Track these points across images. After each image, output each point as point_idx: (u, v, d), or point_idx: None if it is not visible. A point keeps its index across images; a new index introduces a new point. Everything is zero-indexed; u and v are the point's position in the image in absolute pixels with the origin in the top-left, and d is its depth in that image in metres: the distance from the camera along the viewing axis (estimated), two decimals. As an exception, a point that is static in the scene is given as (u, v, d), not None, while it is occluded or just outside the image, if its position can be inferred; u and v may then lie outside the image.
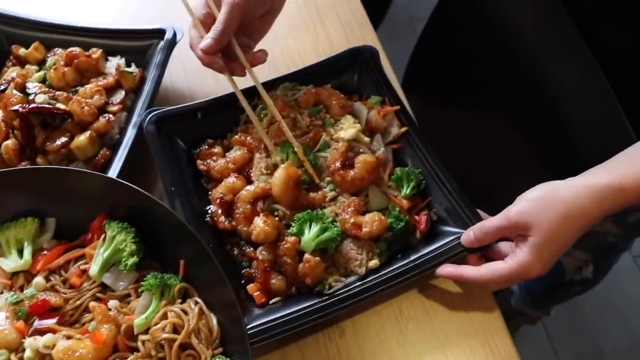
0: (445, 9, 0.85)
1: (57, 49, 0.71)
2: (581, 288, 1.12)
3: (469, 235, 0.54)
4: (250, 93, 0.62)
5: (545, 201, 0.49)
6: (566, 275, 1.08)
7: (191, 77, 0.64)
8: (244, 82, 0.60)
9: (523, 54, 0.69)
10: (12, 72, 0.68)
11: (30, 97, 0.63)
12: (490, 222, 0.52)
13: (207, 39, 0.55)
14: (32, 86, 0.65)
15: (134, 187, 0.51)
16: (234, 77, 0.59)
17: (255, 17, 0.58)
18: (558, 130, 0.65)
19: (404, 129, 0.62)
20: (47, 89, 0.65)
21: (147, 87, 0.66)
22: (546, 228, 0.49)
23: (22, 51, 0.70)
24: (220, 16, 0.54)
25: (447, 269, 0.54)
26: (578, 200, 0.48)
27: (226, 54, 0.58)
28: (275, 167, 0.59)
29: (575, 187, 0.49)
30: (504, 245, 0.54)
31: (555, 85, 0.65)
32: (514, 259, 0.50)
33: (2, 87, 0.66)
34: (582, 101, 0.62)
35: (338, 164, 0.57)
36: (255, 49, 0.60)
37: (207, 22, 0.57)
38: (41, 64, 0.70)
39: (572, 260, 1.04)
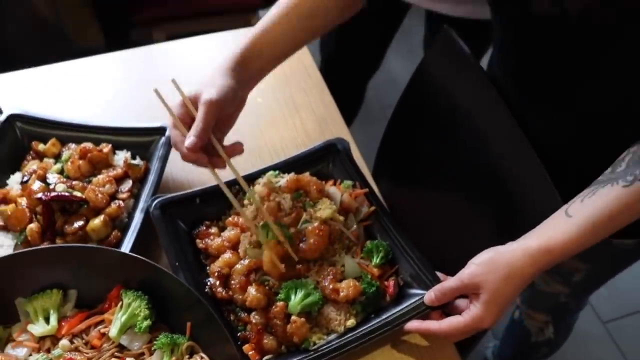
0: (407, 100, 0.99)
1: (71, 144, 0.82)
2: (548, 350, 1.22)
3: (430, 296, 0.64)
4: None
5: (491, 264, 0.60)
6: (532, 337, 1.18)
7: (188, 168, 0.74)
8: (230, 174, 0.70)
9: (472, 137, 0.81)
10: (33, 164, 0.78)
11: (51, 186, 0.73)
12: (447, 284, 0.63)
13: (191, 137, 0.61)
14: (52, 177, 0.75)
15: (147, 260, 0.60)
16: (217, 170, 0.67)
17: (226, 114, 0.66)
18: (505, 202, 0.77)
19: (372, 208, 0.73)
20: (65, 179, 0.75)
21: (152, 177, 0.76)
22: (493, 287, 0.59)
23: (40, 146, 0.81)
24: (199, 115, 0.61)
25: (414, 324, 0.64)
26: (517, 262, 0.59)
27: (205, 150, 0.64)
28: (258, 243, 0.69)
29: (514, 250, 0.60)
30: (461, 302, 0.64)
31: (500, 165, 0.77)
32: (469, 313, 0.61)
33: (26, 178, 0.76)
34: (520, 177, 0.74)
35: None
36: (234, 141, 0.67)
37: (185, 120, 0.64)
38: (57, 157, 0.81)
39: (534, 322, 1.15)
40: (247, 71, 0.68)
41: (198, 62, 1.03)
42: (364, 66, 1.40)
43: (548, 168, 0.68)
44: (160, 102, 0.65)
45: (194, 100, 0.64)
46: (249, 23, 1.71)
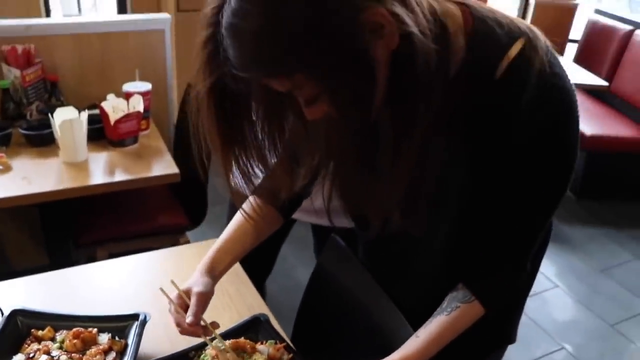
0: (309, 299, 1.32)
1: (62, 330, 1.10)
2: None
3: None
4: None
5: None
6: None
7: (156, 343, 1.03)
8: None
9: (364, 318, 1.13)
10: (33, 346, 1.05)
11: (55, 358, 1.01)
12: None
13: (190, 317, 0.92)
14: (55, 351, 1.02)
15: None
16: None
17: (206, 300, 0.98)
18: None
19: (291, 355, 1.06)
20: (65, 352, 1.03)
21: (130, 350, 1.05)
22: None
23: (39, 332, 1.08)
24: (193, 302, 0.94)
25: None
26: None
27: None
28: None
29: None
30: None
31: (381, 330, 1.11)
32: None
33: (32, 354, 1.02)
34: (390, 331, 1.08)
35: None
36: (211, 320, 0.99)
37: (182, 305, 0.96)
38: (51, 340, 1.08)
39: None
40: (215, 272, 1.04)
41: (138, 276, 1.30)
42: (258, 270, 1.64)
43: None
44: (165, 296, 0.98)
45: (187, 293, 0.97)
46: (177, 242, 2.09)
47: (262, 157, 0.83)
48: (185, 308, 0.96)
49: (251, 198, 1.09)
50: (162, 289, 0.99)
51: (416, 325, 0.93)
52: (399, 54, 0.67)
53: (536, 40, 0.75)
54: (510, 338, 1.10)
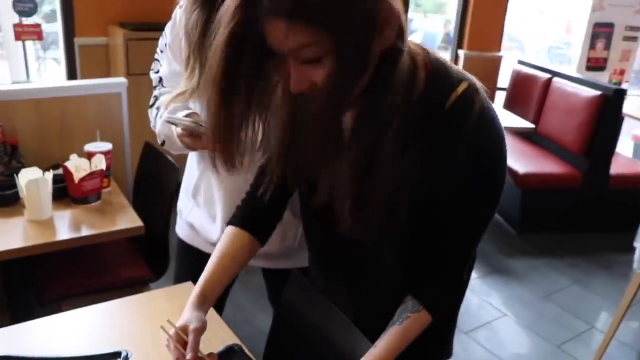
0: (275, 338, 1.36)
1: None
2: None
3: None
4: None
5: None
6: None
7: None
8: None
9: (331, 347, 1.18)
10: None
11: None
12: None
13: (190, 353, 0.97)
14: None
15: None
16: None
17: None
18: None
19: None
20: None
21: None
22: None
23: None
24: (191, 339, 0.99)
25: None
26: None
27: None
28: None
29: None
30: None
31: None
32: None
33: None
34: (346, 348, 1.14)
35: None
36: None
37: (180, 341, 1.01)
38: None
39: None
40: (207, 303, 1.10)
41: (103, 325, 1.31)
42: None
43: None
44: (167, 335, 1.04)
45: (184, 329, 1.02)
46: (141, 291, 2.13)
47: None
48: (183, 344, 1.02)
49: (228, 228, 1.17)
50: (162, 327, 1.05)
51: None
52: (386, 57, 0.82)
53: (477, 85, 0.92)
54: (449, 352, 1.20)
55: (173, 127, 1.35)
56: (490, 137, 0.91)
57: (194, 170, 1.51)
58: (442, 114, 0.89)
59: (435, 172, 0.91)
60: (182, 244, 1.60)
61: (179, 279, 1.60)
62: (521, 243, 3.70)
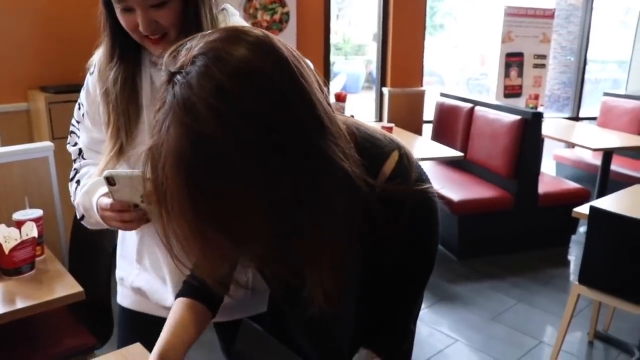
0: None
1: None
2: None
3: None
4: None
5: None
6: None
7: None
8: None
9: None
10: None
11: None
12: None
13: None
14: None
15: None
16: None
17: None
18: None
19: None
20: None
21: None
22: None
23: None
24: None
25: None
26: None
27: None
28: None
29: None
30: None
31: None
32: None
33: None
34: None
35: None
36: None
37: None
38: None
39: None
40: None
41: None
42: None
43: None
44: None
45: None
46: (86, 362, 2.03)
47: None
48: None
49: (177, 300, 1.14)
50: None
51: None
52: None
53: (406, 150, 0.91)
54: None
55: (94, 199, 1.25)
56: (429, 214, 0.92)
57: (132, 236, 1.44)
58: (376, 196, 0.87)
59: (380, 246, 0.92)
60: (127, 313, 1.51)
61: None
62: (462, 268, 3.79)
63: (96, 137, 1.36)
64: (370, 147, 0.90)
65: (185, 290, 1.15)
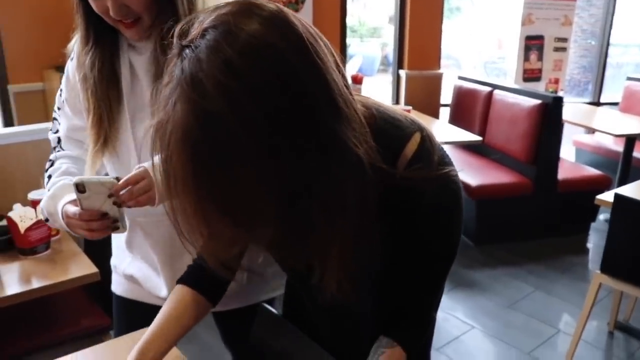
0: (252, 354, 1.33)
1: None
2: None
3: None
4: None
5: None
6: None
7: None
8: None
9: None
10: None
11: None
12: None
13: None
14: None
15: None
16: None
17: None
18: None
19: None
20: None
21: None
22: None
23: None
24: None
25: None
26: None
27: None
28: None
29: None
30: None
31: None
32: None
33: None
34: None
35: None
36: None
37: None
38: None
39: None
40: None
41: None
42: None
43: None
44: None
45: None
46: (102, 340, 2.02)
47: None
48: None
49: (177, 287, 1.11)
50: None
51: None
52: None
53: (429, 132, 0.87)
54: None
55: (59, 205, 1.18)
56: (453, 197, 0.88)
57: None
58: (397, 178, 0.83)
59: (399, 233, 0.88)
60: (121, 301, 1.47)
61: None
62: (480, 254, 3.74)
63: (76, 124, 1.30)
64: (391, 129, 0.86)
65: (188, 276, 1.12)
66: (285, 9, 0.74)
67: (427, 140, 0.86)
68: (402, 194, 0.84)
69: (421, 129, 0.87)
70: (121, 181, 1.06)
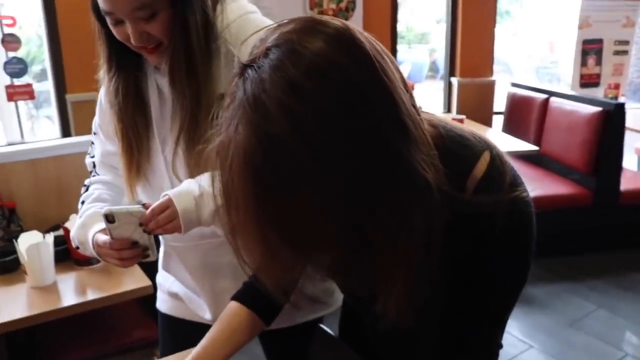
0: None
1: None
2: None
3: None
4: None
5: None
6: None
7: None
8: None
9: None
10: None
11: None
12: None
13: None
14: None
15: None
16: None
17: None
18: None
19: None
20: None
21: None
22: None
23: None
24: None
25: None
26: None
27: None
28: None
29: None
30: None
31: None
32: None
33: None
34: None
35: None
36: None
37: None
38: None
39: None
40: None
41: None
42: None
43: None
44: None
45: None
46: (153, 356, 2.02)
47: None
48: None
49: (231, 303, 1.09)
50: None
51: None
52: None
53: (499, 151, 0.81)
54: None
55: (90, 234, 1.19)
56: (525, 224, 0.83)
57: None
58: (465, 202, 0.77)
59: (467, 261, 0.83)
60: (166, 318, 1.46)
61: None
62: (537, 269, 3.59)
63: (110, 150, 1.30)
64: (459, 149, 0.80)
65: (243, 295, 1.09)
66: (351, 26, 0.70)
67: (497, 159, 0.80)
68: (470, 219, 0.78)
69: (490, 148, 0.81)
70: (147, 211, 1.07)
